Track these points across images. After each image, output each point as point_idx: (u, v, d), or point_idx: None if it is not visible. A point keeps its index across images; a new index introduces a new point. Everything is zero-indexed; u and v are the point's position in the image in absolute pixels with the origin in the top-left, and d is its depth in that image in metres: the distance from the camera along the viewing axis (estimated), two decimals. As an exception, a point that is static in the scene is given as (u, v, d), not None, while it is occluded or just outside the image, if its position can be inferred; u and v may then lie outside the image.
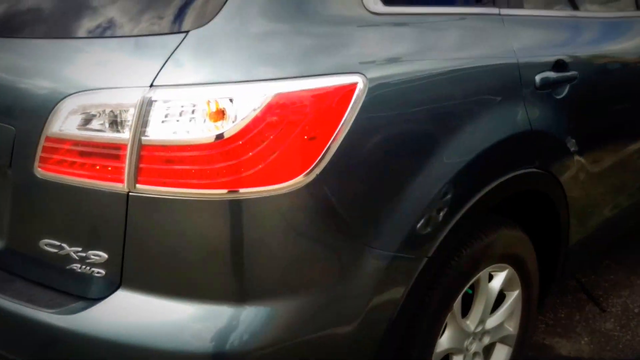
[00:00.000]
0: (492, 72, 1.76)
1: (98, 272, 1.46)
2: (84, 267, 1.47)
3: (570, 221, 2.17)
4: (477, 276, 1.88)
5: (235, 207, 1.36)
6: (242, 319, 1.41)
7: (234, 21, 1.40)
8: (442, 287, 1.74)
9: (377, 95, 1.47)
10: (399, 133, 1.52)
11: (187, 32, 1.39)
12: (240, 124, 1.31)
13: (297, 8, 1.47)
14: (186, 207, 1.37)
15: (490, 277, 1.99)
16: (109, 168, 1.38)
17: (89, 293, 1.49)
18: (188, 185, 1.35)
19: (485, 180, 1.73)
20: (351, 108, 1.41)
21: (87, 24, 1.54)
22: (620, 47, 2.35)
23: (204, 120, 1.32)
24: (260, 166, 1.33)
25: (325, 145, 1.38)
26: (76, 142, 1.41)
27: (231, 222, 1.38)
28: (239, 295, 1.42)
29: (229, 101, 1.32)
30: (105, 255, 1.44)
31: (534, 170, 1.92)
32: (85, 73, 1.47)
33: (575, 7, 2.30)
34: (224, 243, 1.39)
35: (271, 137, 1.33)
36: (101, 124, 1.38)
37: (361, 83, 1.43)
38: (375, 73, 1.48)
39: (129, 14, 1.50)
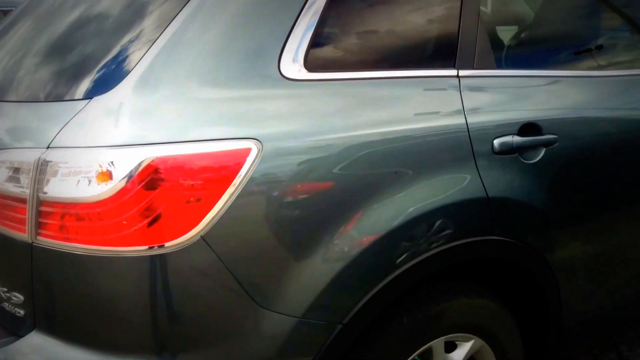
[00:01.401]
0: (426, 138, 1.68)
1: (19, 312, 1.60)
2: (10, 306, 1.62)
3: (562, 294, 2.00)
4: (427, 346, 1.80)
5: (128, 264, 1.44)
6: None
7: (135, 88, 1.49)
8: (377, 355, 1.69)
9: (276, 161, 1.48)
10: (300, 199, 1.51)
11: (91, 98, 1.52)
12: (118, 186, 1.39)
13: (203, 74, 1.52)
14: (82, 261, 1.46)
15: (455, 346, 1.90)
16: (18, 219, 1.52)
17: (19, 330, 1.62)
18: (81, 241, 1.45)
19: (418, 248, 1.65)
20: (243, 173, 1.44)
21: (13, 89, 1.77)
22: (611, 108, 2.13)
23: (93, 181, 1.42)
24: (138, 226, 1.40)
25: (211, 208, 1.42)
26: None
27: (127, 279, 1.46)
28: (136, 349, 1.49)
29: (111, 164, 1.41)
30: (22, 298, 1.58)
31: (494, 238, 1.81)
32: (6, 132, 1.66)
33: (563, 66, 2.13)
34: (122, 299, 1.47)
35: (148, 199, 1.39)
36: (15, 179, 1.53)
37: (255, 149, 1.46)
38: (276, 141, 1.49)
39: (50, 81, 1.69)
